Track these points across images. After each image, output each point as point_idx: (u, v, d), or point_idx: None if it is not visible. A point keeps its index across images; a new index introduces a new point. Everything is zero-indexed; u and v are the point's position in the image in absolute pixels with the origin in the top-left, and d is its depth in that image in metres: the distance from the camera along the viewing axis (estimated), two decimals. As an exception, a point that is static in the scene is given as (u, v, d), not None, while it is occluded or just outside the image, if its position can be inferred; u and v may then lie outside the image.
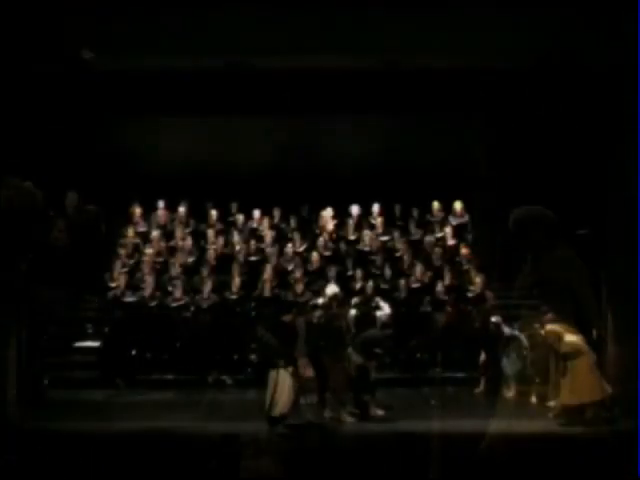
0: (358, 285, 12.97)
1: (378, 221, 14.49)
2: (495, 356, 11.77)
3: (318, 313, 10.68)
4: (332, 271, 13.05)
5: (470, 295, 12.84)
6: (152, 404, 11.53)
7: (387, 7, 9.81)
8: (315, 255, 13.61)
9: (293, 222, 14.56)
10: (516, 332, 11.89)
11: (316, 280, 13.06)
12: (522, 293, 14.35)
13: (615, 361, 10.93)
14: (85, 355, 13.06)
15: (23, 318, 10.96)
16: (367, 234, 14.13)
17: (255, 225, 14.61)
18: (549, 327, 10.77)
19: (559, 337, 10.52)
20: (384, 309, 11.35)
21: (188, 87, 11.25)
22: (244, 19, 9.86)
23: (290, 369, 9.98)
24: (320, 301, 10.90)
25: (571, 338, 10.41)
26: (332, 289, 10.86)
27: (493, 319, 11.96)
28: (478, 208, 14.54)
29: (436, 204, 14.65)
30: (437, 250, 13.69)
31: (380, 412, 10.55)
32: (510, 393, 11.69)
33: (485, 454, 8.30)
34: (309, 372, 10.12)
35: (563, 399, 10.40)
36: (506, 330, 11.85)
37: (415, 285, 13.06)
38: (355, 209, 14.67)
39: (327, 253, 13.88)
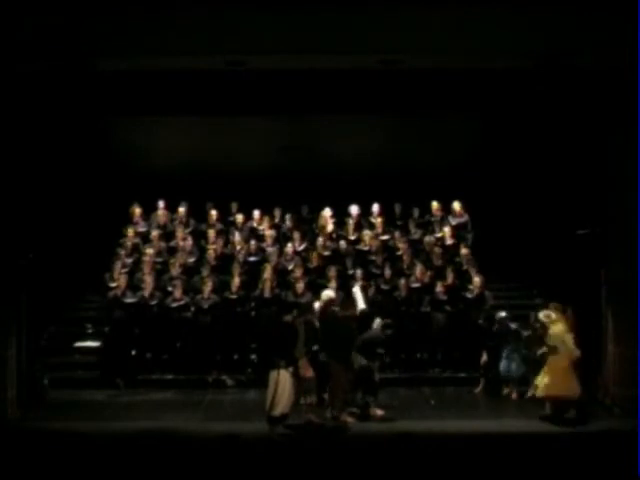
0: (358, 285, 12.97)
1: (378, 221, 14.49)
2: (498, 354, 11.72)
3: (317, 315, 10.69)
4: (332, 271, 13.03)
5: (469, 296, 12.83)
6: (152, 404, 11.55)
7: (387, 6, 9.80)
8: (315, 255, 13.61)
9: (293, 222, 14.55)
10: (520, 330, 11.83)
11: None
12: (522, 293, 14.43)
13: (615, 361, 10.95)
14: (85, 355, 13.09)
15: (23, 318, 10.97)
16: (367, 234, 14.14)
17: (255, 225, 14.62)
18: (540, 314, 10.78)
19: (545, 327, 10.57)
20: (375, 322, 11.26)
21: (188, 87, 11.22)
22: (244, 19, 9.86)
23: (291, 369, 9.99)
24: (317, 305, 10.91)
25: (556, 330, 10.44)
26: (327, 294, 10.87)
27: (502, 314, 11.90)
28: (478, 208, 14.54)
29: (435, 204, 14.65)
30: (437, 250, 13.69)
31: (380, 412, 10.56)
32: (514, 394, 11.64)
33: (485, 454, 8.31)
34: (309, 372, 10.12)
35: (539, 391, 10.48)
36: (512, 326, 11.84)
37: (415, 285, 13.05)
38: (354, 209, 14.67)
39: (327, 253, 13.88)
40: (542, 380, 10.45)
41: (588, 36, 9.85)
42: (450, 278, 13.05)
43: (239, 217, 14.63)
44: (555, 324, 10.54)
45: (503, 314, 11.92)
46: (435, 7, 9.80)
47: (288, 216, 14.60)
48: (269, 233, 14.12)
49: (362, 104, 11.79)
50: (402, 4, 9.81)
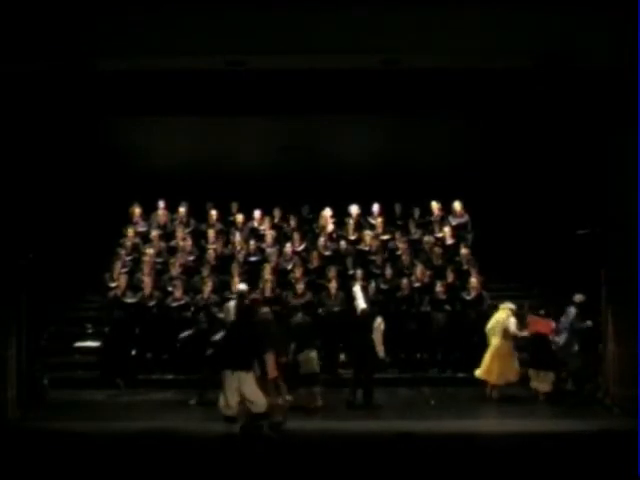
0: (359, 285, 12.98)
1: (378, 221, 14.49)
2: None
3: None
4: (332, 271, 13.04)
5: (467, 297, 12.83)
6: (152, 404, 11.55)
7: (387, 6, 9.80)
8: (315, 255, 13.62)
9: (293, 222, 14.57)
10: None
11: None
12: (522, 293, 14.43)
13: (615, 361, 10.95)
14: (85, 355, 13.09)
15: (23, 318, 10.97)
16: (367, 234, 14.14)
17: (256, 225, 14.63)
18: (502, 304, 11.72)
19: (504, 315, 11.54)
20: (376, 322, 11.26)
21: (188, 87, 11.23)
22: (244, 19, 9.86)
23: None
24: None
25: (497, 317, 11.55)
26: (241, 287, 11.37)
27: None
28: (478, 208, 14.54)
29: (434, 204, 14.67)
30: (437, 250, 13.70)
31: (319, 403, 10.81)
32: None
33: (485, 454, 8.31)
34: (274, 372, 9.99)
35: (478, 371, 11.56)
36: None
37: (415, 285, 13.05)
38: (354, 209, 14.68)
39: (327, 253, 13.89)
40: (483, 362, 11.57)
41: (588, 36, 9.85)
42: (450, 278, 13.05)
43: (239, 217, 14.64)
44: (502, 311, 11.54)
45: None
46: (435, 7, 9.80)
47: (291, 216, 14.61)
48: (269, 233, 14.13)
49: (362, 104, 11.77)
50: (402, 4, 9.80)
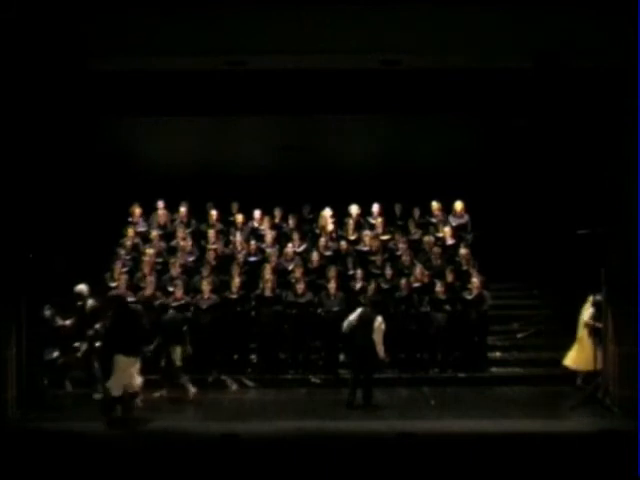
0: (359, 285, 12.98)
1: (378, 221, 14.49)
2: None
3: None
4: (332, 271, 13.04)
5: (467, 296, 12.83)
6: (153, 404, 11.54)
7: (387, 6, 9.80)
8: (315, 255, 13.62)
9: (293, 222, 14.57)
10: None
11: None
12: (522, 293, 14.44)
13: (615, 361, 10.95)
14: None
15: (23, 318, 10.97)
16: (367, 234, 14.14)
17: (256, 225, 14.63)
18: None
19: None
20: (376, 321, 11.21)
21: (188, 87, 11.23)
22: (244, 19, 9.86)
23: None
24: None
25: (582, 311, 11.89)
26: (79, 287, 12.03)
27: None
28: (479, 208, 14.54)
29: (435, 204, 14.66)
30: (436, 250, 13.69)
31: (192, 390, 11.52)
32: None
33: (485, 454, 8.31)
34: None
35: (566, 361, 12.07)
36: None
37: (415, 285, 13.05)
38: (354, 209, 14.67)
39: (327, 253, 13.89)
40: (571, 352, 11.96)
41: (588, 36, 9.85)
42: (450, 278, 13.05)
43: (239, 217, 14.65)
44: (588, 302, 11.83)
45: None
46: (435, 7, 9.80)
47: (291, 216, 14.62)
48: (269, 233, 14.13)
49: (362, 104, 11.78)
50: (402, 4, 9.81)
